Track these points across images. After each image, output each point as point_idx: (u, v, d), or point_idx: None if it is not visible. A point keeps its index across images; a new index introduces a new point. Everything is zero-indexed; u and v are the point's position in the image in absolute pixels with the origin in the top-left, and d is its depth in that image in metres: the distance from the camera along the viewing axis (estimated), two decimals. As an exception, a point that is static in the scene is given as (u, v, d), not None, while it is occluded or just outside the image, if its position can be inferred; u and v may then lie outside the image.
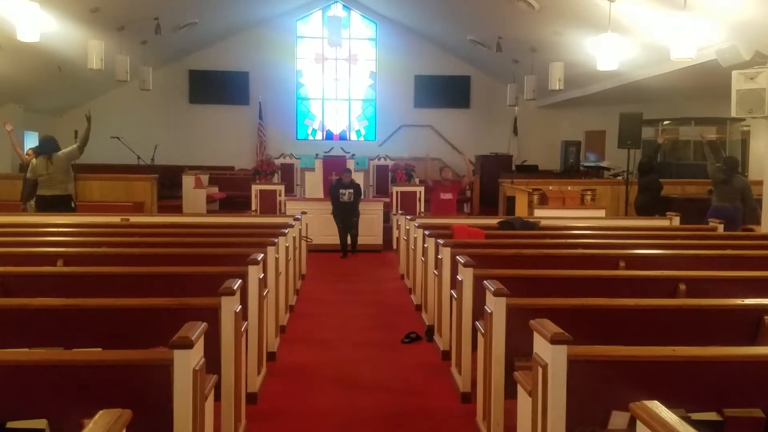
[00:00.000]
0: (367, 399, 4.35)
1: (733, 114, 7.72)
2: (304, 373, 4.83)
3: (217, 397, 3.10)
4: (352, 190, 9.97)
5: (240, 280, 3.46)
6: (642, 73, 10.43)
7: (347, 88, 17.02)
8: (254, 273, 4.11)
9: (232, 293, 3.31)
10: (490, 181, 13.04)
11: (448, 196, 9.77)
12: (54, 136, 8.26)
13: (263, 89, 16.02)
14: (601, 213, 9.24)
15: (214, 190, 13.59)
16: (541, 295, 3.62)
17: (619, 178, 12.50)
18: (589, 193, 9.60)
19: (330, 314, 6.64)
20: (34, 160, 8.05)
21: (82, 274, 4.14)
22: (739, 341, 3.21)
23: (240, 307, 3.45)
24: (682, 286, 4.02)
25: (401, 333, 5.75)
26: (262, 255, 4.36)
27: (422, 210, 11.24)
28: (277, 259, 5.24)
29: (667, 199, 10.07)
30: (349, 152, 13.59)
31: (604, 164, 14.27)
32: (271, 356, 5.02)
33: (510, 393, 3.23)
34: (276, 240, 5.23)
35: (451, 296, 4.63)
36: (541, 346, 2.64)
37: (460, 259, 4.29)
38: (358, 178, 11.21)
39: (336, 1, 16.53)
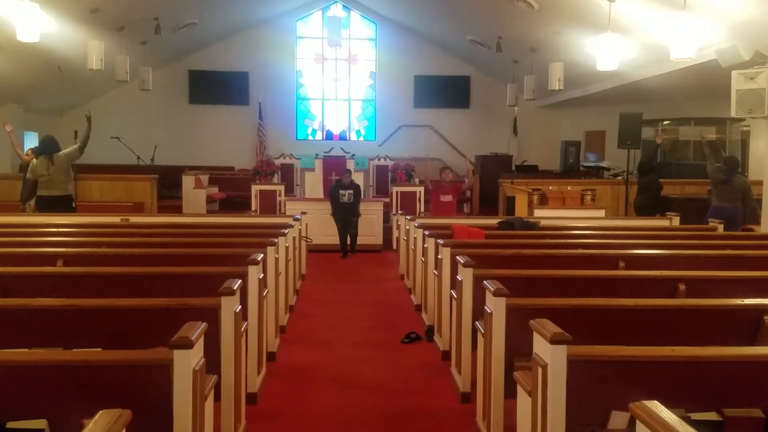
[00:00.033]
0: (367, 399, 4.35)
1: (733, 114, 7.72)
2: (304, 373, 4.83)
3: (217, 398, 3.10)
4: (351, 191, 9.97)
5: (240, 281, 3.47)
6: (642, 73, 10.42)
7: (347, 89, 17.02)
8: (254, 273, 4.11)
9: (232, 293, 3.32)
10: (489, 181, 13.03)
11: (447, 198, 9.77)
12: (54, 137, 8.25)
13: (263, 89, 16.01)
14: (601, 213, 9.23)
15: (214, 190, 13.58)
16: (540, 295, 3.63)
17: (619, 178, 12.50)
18: (588, 193, 9.60)
19: (330, 314, 6.64)
20: (34, 161, 8.04)
21: (81, 274, 4.14)
22: (739, 341, 3.21)
23: (240, 307, 3.45)
24: (682, 286, 4.02)
25: (401, 333, 5.75)
26: (262, 255, 4.36)
27: (422, 210, 11.24)
28: (276, 260, 5.24)
29: (666, 199, 10.07)
30: (349, 152, 13.58)
31: (603, 164, 14.27)
32: (271, 356, 5.02)
33: (510, 393, 3.23)
34: (276, 240, 5.23)
35: (451, 296, 4.64)
36: (540, 346, 2.64)
37: (460, 259, 4.29)
38: (358, 178, 11.21)
39: (336, 2, 16.53)
